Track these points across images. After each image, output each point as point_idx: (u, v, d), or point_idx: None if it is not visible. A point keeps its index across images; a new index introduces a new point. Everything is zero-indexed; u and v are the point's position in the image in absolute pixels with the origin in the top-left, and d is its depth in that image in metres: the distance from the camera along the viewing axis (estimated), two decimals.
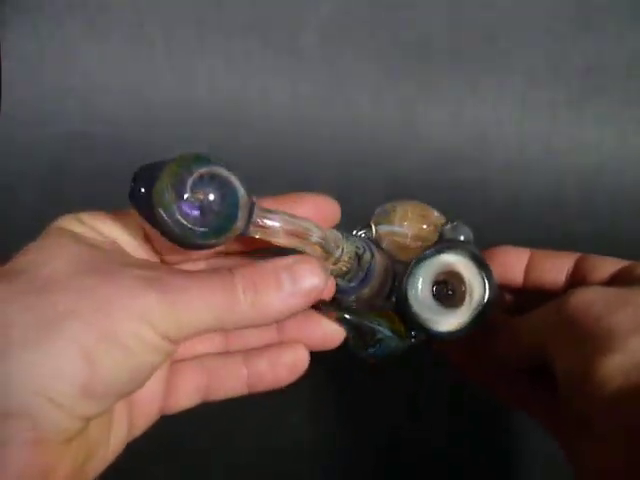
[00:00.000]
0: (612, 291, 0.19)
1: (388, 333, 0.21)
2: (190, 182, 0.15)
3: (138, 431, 0.19)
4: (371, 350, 0.21)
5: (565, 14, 0.48)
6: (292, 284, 0.16)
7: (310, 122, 0.50)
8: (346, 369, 0.36)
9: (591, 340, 0.17)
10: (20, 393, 0.14)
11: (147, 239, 0.18)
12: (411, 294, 0.20)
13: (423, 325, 0.20)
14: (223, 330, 0.19)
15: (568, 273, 0.22)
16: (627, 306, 0.18)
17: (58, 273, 0.15)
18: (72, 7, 0.49)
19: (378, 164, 0.49)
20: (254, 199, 0.16)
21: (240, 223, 0.16)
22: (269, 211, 0.17)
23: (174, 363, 0.20)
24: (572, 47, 0.48)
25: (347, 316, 0.20)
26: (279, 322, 0.18)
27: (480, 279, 0.20)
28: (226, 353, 0.21)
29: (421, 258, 0.20)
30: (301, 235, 0.17)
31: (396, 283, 0.21)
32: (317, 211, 0.19)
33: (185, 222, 0.15)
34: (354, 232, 0.21)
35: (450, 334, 0.20)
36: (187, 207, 0.15)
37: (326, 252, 0.18)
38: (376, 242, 0.21)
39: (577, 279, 0.21)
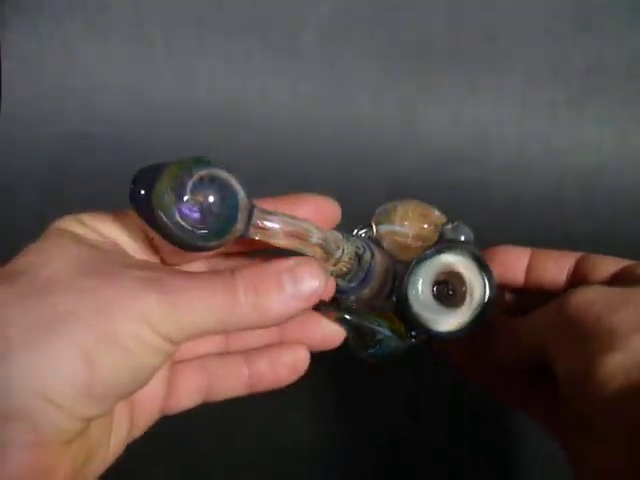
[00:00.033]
0: (613, 290, 0.19)
1: (388, 333, 0.21)
2: (190, 184, 0.15)
3: (138, 432, 0.19)
4: (371, 350, 0.21)
5: (565, 14, 0.48)
6: (293, 286, 0.16)
7: (310, 122, 0.50)
8: (346, 369, 0.36)
9: (592, 339, 0.17)
10: (20, 394, 0.14)
11: (147, 240, 0.18)
12: (411, 294, 0.20)
13: (423, 325, 0.20)
14: (224, 332, 0.19)
15: (569, 272, 0.22)
16: (628, 305, 0.18)
17: (58, 274, 0.15)
18: (72, 7, 0.49)
19: (378, 164, 0.49)
20: (254, 201, 0.16)
21: (240, 225, 0.16)
22: (269, 213, 0.17)
23: (175, 363, 0.20)
24: (572, 47, 0.48)
25: (347, 316, 0.20)
26: (279, 325, 0.18)
27: (480, 279, 0.20)
28: (226, 353, 0.21)
29: (422, 258, 0.20)
30: (301, 236, 0.17)
31: (396, 283, 0.21)
32: (317, 212, 0.19)
33: (185, 224, 0.15)
34: (355, 231, 0.21)
35: (450, 334, 0.20)
36: (187, 209, 0.15)
37: (326, 253, 0.18)
38: (377, 241, 0.21)
39: (578, 278, 0.21)
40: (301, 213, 0.18)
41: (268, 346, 0.20)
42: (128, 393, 0.16)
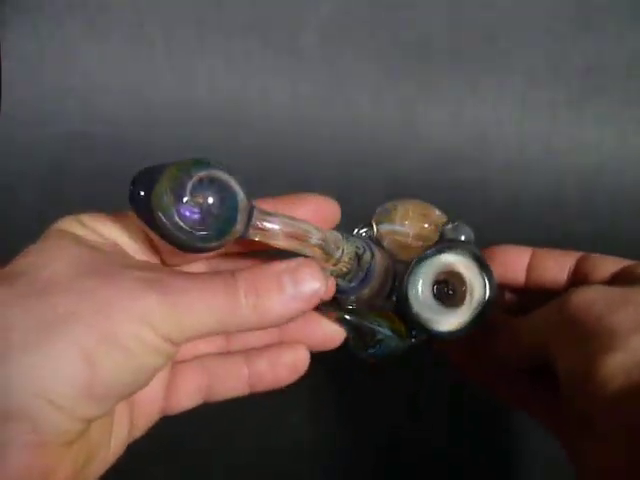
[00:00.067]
0: (613, 290, 0.19)
1: (388, 333, 0.21)
2: (189, 185, 0.15)
3: (139, 432, 0.19)
4: (371, 350, 0.21)
5: (565, 14, 0.48)
6: (293, 287, 0.16)
7: (310, 122, 0.50)
8: (346, 369, 0.36)
9: (593, 339, 0.17)
10: (20, 395, 0.14)
11: (148, 241, 0.18)
12: (412, 294, 0.20)
13: (423, 325, 0.20)
14: (225, 333, 0.19)
15: (569, 272, 0.22)
16: (628, 305, 0.18)
17: (58, 275, 0.15)
18: (72, 7, 0.49)
19: (378, 164, 0.49)
20: (253, 202, 0.16)
21: (239, 226, 0.16)
22: (268, 214, 0.17)
23: (175, 364, 0.20)
24: (572, 47, 0.48)
25: (347, 316, 0.20)
26: (279, 326, 0.18)
27: (481, 279, 0.20)
28: (226, 353, 0.21)
29: (422, 258, 0.20)
30: (300, 237, 0.17)
31: (396, 283, 0.21)
32: (317, 212, 0.19)
33: (184, 225, 0.15)
34: (355, 231, 0.21)
35: (450, 334, 0.20)
36: (186, 210, 0.15)
37: (326, 254, 0.18)
38: (377, 241, 0.21)
39: (578, 278, 0.21)
40: (301, 213, 0.18)
41: (268, 346, 0.20)
42: (129, 394, 0.16)
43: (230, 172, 0.16)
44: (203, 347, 0.20)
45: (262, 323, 0.16)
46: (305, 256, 0.18)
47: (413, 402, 0.38)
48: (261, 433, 0.37)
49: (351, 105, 0.50)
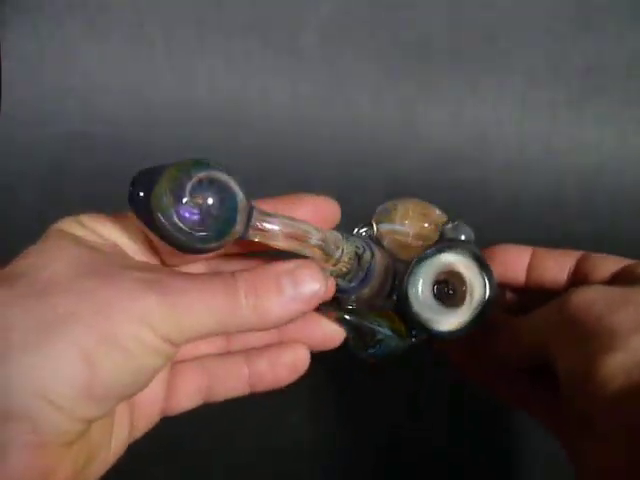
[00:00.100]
0: (613, 290, 0.19)
1: (388, 333, 0.21)
2: (189, 186, 0.15)
3: (139, 433, 0.19)
4: (371, 350, 0.21)
5: (565, 14, 0.48)
6: (293, 289, 0.16)
7: (310, 122, 0.50)
8: (346, 369, 0.36)
9: (593, 339, 0.17)
10: (20, 395, 0.14)
11: (147, 242, 0.18)
12: (412, 293, 0.20)
13: (424, 324, 0.20)
14: (225, 333, 0.19)
15: (570, 272, 0.22)
16: (628, 305, 0.18)
17: (58, 276, 0.15)
18: (72, 7, 0.49)
19: (378, 164, 0.49)
20: (253, 203, 0.16)
21: (239, 227, 0.16)
22: (268, 214, 0.17)
23: (174, 364, 0.20)
24: (572, 47, 0.48)
25: (347, 316, 0.20)
26: (279, 327, 0.18)
27: (481, 279, 0.20)
28: (226, 353, 0.21)
29: (422, 257, 0.20)
30: (300, 238, 0.17)
31: (396, 282, 0.21)
32: (317, 212, 0.19)
33: (184, 226, 0.15)
34: (355, 230, 0.21)
35: (451, 333, 0.20)
36: (186, 211, 0.15)
37: (326, 254, 0.18)
38: (377, 240, 0.21)
39: (579, 277, 0.21)
40: (300, 213, 0.18)
41: (268, 346, 0.20)
42: (129, 395, 0.16)
43: (229, 173, 0.16)
44: (203, 348, 0.20)
45: (262, 324, 0.16)
46: (305, 257, 0.18)
47: (413, 402, 0.38)
48: (261, 433, 0.37)
49: (351, 105, 0.50)
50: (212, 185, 0.15)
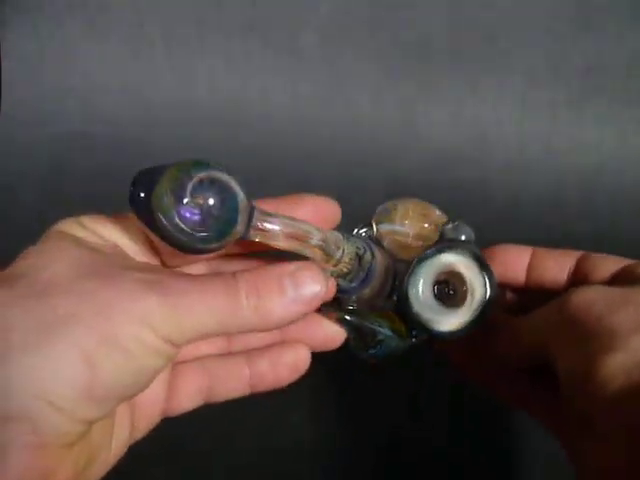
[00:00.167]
0: (613, 290, 0.19)
1: (389, 333, 0.21)
2: (190, 187, 0.15)
3: (140, 434, 0.19)
4: (372, 351, 0.21)
5: (565, 14, 0.48)
6: (294, 290, 0.16)
7: (310, 122, 0.50)
8: (347, 369, 0.36)
9: (593, 339, 0.17)
10: (20, 396, 0.14)
11: (148, 242, 0.18)
12: (412, 294, 0.20)
13: (424, 325, 0.20)
14: (225, 334, 0.19)
15: (570, 272, 0.22)
16: (628, 305, 0.18)
17: (58, 277, 0.15)
18: (72, 7, 0.49)
19: (378, 164, 0.49)
20: (253, 203, 0.16)
21: (240, 227, 0.16)
22: (269, 214, 0.17)
23: (175, 365, 0.20)
24: (572, 47, 0.48)
25: (348, 317, 0.20)
26: (280, 328, 0.18)
27: (481, 279, 0.20)
28: (227, 354, 0.21)
29: (422, 258, 0.20)
30: (301, 238, 0.17)
31: (397, 282, 0.21)
32: (317, 212, 0.19)
33: (184, 227, 0.15)
34: (355, 231, 0.21)
35: (451, 334, 0.20)
36: (186, 212, 0.15)
37: (326, 254, 0.18)
38: (377, 241, 0.21)
39: (579, 277, 0.21)
40: (301, 214, 0.18)
41: (269, 346, 0.20)
42: (129, 395, 0.16)
43: (230, 173, 0.16)
44: (204, 348, 0.20)
45: (263, 325, 0.16)
46: (306, 257, 0.18)
47: (414, 402, 0.38)
48: (262, 433, 0.37)
49: (351, 105, 0.50)
50: (213, 185, 0.15)
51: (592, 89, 0.49)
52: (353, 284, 0.19)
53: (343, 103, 0.50)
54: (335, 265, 0.18)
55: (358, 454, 0.37)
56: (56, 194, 0.47)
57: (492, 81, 0.49)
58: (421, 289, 0.20)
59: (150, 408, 0.19)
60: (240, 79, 0.50)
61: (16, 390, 0.14)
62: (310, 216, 0.18)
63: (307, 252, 0.17)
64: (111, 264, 0.16)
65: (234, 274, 0.16)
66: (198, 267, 0.20)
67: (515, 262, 0.22)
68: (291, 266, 0.17)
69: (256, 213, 0.16)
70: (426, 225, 0.21)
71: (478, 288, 0.20)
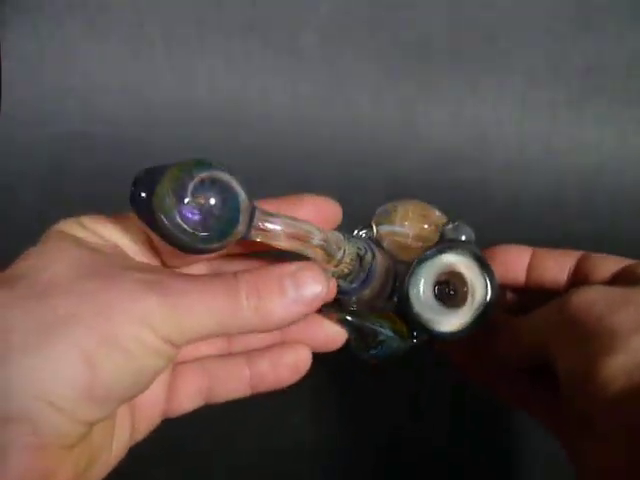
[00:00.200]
0: (614, 290, 0.19)
1: (390, 334, 0.21)
2: (191, 186, 0.15)
3: (140, 435, 0.19)
4: (373, 351, 0.21)
5: (565, 14, 0.48)
6: (295, 291, 0.16)
7: (310, 122, 0.50)
8: (348, 370, 0.36)
9: (593, 340, 0.17)
10: (20, 397, 0.14)
11: (148, 242, 0.18)
12: (413, 294, 0.20)
13: (425, 325, 0.20)
14: (226, 335, 0.19)
15: (570, 272, 0.22)
16: (629, 305, 0.18)
17: (59, 277, 0.15)
18: (72, 7, 0.49)
19: (378, 164, 0.49)
20: (255, 203, 0.16)
21: (241, 227, 0.16)
22: (270, 214, 0.17)
23: (175, 365, 0.20)
24: (572, 47, 0.48)
25: (349, 317, 0.20)
26: (281, 328, 0.18)
27: (482, 279, 0.20)
28: (228, 355, 0.21)
29: (423, 258, 0.20)
30: (302, 238, 0.17)
31: (397, 283, 0.21)
32: (318, 213, 0.19)
33: (186, 227, 0.15)
34: (355, 232, 0.21)
35: (452, 334, 0.20)
36: (188, 212, 0.15)
37: (328, 254, 0.18)
38: (377, 242, 0.21)
39: (579, 278, 0.21)
40: (302, 214, 0.18)
41: (270, 346, 0.20)
42: (130, 396, 0.16)
43: (231, 173, 0.16)
44: (204, 349, 0.20)
45: (264, 325, 0.16)
46: (307, 257, 0.18)
47: (415, 403, 0.38)
48: (263, 434, 0.37)
49: (351, 105, 0.50)
50: (214, 185, 0.15)
51: (592, 89, 0.49)
52: (354, 285, 0.19)
53: (343, 103, 0.50)
54: (336, 266, 0.18)
55: (358, 454, 0.37)
56: (56, 194, 0.47)
57: (492, 81, 0.49)
58: (422, 289, 0.20)
59: (150, 409, 0.19)
60: (240, 79, 0.50)
61: (16, 391, 0.14)
62: (311, 216, 0.18)
63: (308, 252, 0.17)
64: (111, 264, 0.16)
65: (235, 274, 0.16)
66: (199, 267, 0.20)
67: (515, 262, 0.22)
68: (292, 266, 0.17)
69: (257, 213, 0.16)
70: (426, 226, 0.21)
71: (479, 289, 0.20)
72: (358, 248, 0.19)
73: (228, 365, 0.20)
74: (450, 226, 0.21)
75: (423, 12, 0.48)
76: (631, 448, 0.16)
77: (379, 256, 0.20)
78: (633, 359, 0.16)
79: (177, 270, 0.19)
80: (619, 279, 0.20)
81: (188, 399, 0.20)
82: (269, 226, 0.17)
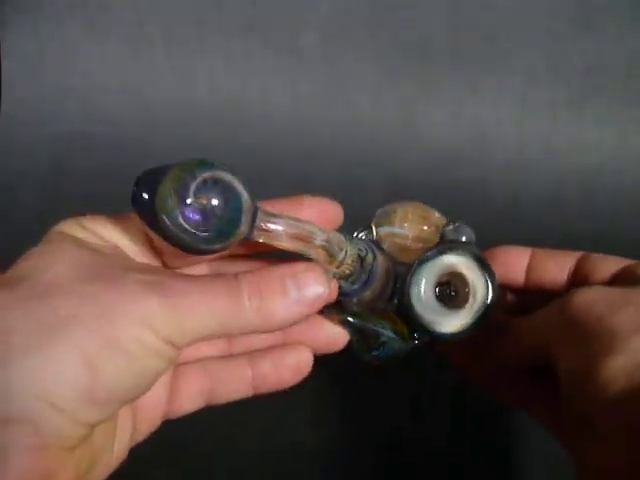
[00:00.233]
0: (614, 291, 0.19)
1: (391, 335, 0.21)
2: (193, 187, 0.15)
3: (142, 436, 0.19)
4: (375, 352, 0.21)
5: (565, 14, 0.48)
6: (297, 292, 0.16)
7: (310, 122, 0.50)
8: (350, 371, 0.36)
9: (593, 340, 0.17)
10: (21, 398, 0.14)
11: (149, 243, 0.18)
12: (414, 295, 0.20)
13: (426, 326, 0.20)
14: (227, 336, 0.19)
15: (570, 272, 0.22)
16: (629, 306, 0.18)
17: (60, 278, 0.15)
18: (72, 7, 0.49)
19: (378, 164, 0.49)
20: (257, 203, 0.16)
21: (244, 227, 0.16)
22: (272, 215, 0.17)
23: (177, 366, 0.20)
24: (572, 47, 0.48)
25: (350, 319, 0.20)
26: (282, 329, 0.18)
27: (483, 280, 0.20)
28: (229, 356, 0.21)
29: (423, 259, 0.20)
30: (305, 238, 0.17)
31: (397, 285, 0.21)
32: (320, 214, 0.19)
33: (188, 227, 0.15)
34: (355, 234, 0.21)
35: (453, 335, 0.20)
36: (190, 212, 0.15)
37: (330, 255, 0.18)
38: (377, 244, 0.21)
39: (579, 278, 0.21)
40: (304, 215, 0.18)
41: (271, 348, 0.20)
42: (131, 398, 0.16)
43: (234, 173, 0.16)
44: (205, 350, 0.20)
45: (265, 326, 0.16)
46: (309, 258, 0.18)
47: (416, 404, 0.38)
48: (264, 435, 0.37)
49: (351, 105, 0.50)
50: (216, 185, 0.15)
51: (592, 89, 0.49)
52: (355, 286, 0.19)
53: (343, 103, 0.50)
54: (338, 267, 0.18)
55: (359, 455, 0.37)
56: (56, 194, 0.47)
57: (492, 81, 0.49)
58: (423, 290, 0.20)
59: (152, 410, 0.19)
60: (240, 79, 0.50)
61: (17, 392, 0.14)
62: (313, 217, 0.18)
63: (311, 253, 0.17)
64: (112, 265, 0.16)
65: (236, 275, 0.16)
66: (200, 268, 0.20)
67: (515, 263, 0.22)
68: (294, 267, 0.17)
69: (260, 213, 0.16)
70: (425, 227, 0.21)
71: (480, 289, 0.20)
72: (359, 249, 0.19)
73: (230, 366, 0.20)
74: (451, 227, 0.21)
75: (423, 12, 0.48)
76: (631, 448, 0.16)
77: (380, 257, 0.20)
78: (633, 360, 0.16)
79: (178, 271, 0.19)
80: (619, 279, 0.20)
81: (189, 400, 0.20)
82: (271, 226, 0.17)
